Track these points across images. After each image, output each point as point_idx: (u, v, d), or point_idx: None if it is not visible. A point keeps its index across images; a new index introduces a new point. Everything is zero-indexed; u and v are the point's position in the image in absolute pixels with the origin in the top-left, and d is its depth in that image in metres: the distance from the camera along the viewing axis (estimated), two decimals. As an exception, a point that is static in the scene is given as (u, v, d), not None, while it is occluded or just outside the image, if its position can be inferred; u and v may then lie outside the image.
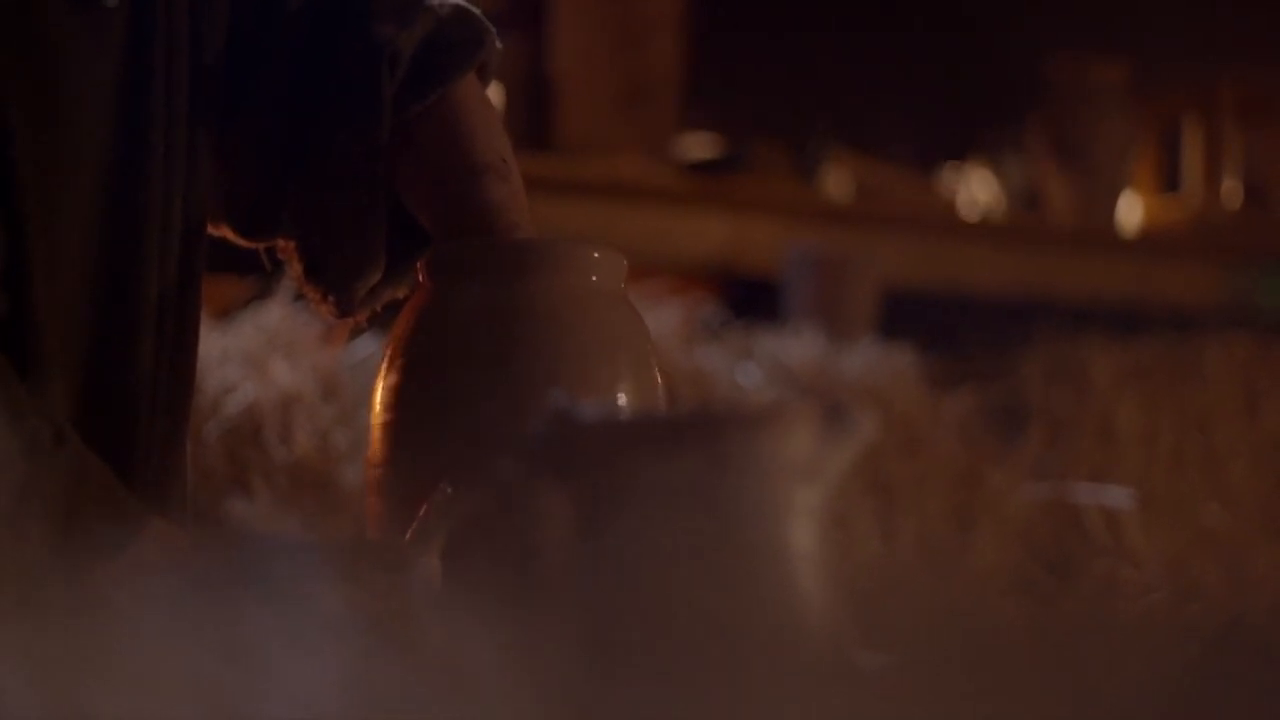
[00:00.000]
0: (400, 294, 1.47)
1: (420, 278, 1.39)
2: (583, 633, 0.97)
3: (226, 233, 1.47)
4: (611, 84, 3.82)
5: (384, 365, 1.38)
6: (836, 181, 4.09)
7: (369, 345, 2.65)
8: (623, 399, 1.35)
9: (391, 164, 1.42)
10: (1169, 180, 4.47)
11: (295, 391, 2.51)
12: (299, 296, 2.63)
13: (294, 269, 1.45)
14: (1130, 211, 4.42)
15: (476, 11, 1.45)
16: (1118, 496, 3.08)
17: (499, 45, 1.46)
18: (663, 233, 3.74)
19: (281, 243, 1.45)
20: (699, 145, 4.04)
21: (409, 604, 1.22)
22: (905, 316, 3.50)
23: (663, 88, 3.87)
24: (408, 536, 1.24)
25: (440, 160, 1.41)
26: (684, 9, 3.92)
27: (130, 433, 1.35)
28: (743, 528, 0.94)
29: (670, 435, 0.93)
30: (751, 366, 2.88)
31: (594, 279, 1.38)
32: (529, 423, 0.95)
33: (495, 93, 2.51)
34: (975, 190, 4.26)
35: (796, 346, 2.98)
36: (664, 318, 2.91)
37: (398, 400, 1.36)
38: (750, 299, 3.51)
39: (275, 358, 2.55)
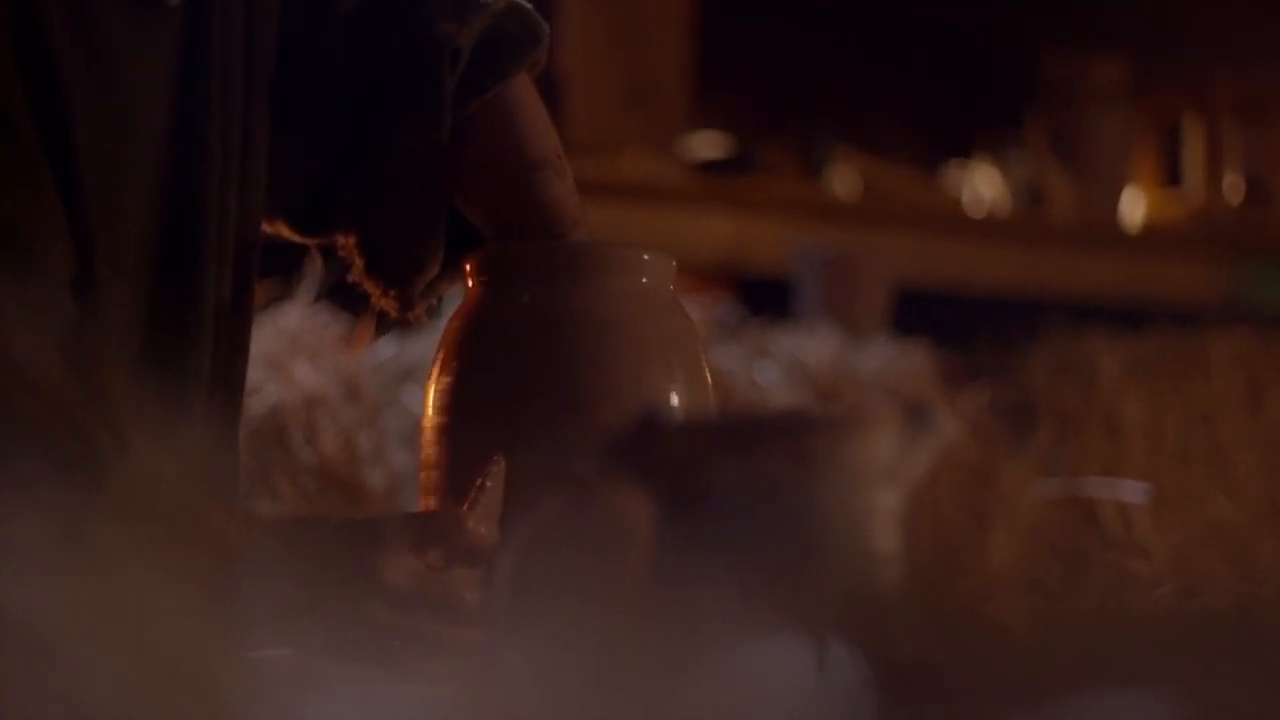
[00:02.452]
0: (453, 289, 1.48)
1: (470, 278, 1.39)
2: (662, 630, 0.98)
3: (282, 229, 1.46)
4: (618, 83, 3.82)
5: (436, 367, 1.38)
6: (842, 179, 4.10)
7: (389, 347, 2.66)
8: (676, 400, 1.36)
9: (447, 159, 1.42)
10: (1170, 175, 4.49)
11: (319, 393, 2.51)
12: (319, 298, 2.63)
13: (354, 264, 1.44)
14: (1133, 207, 4.44)
15: (529, 7, 1.45)
16: (1130, 490, 3.09)
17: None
18: (670, 232, 3.74)
19: (341, 239, 1.45)
20: (705, 144, 4.04)
21: (472, 574, 1.24)
22: (909, 313, 3.51)
23: (669, 86, 3.87)
24: (465, 507, 1.26)
25: (496, 156, 1.41)
26: (690, 7, 3.92)
27: (187, 433, 1.35)
28: (826, 529, 0.95)
29: (755, 438, 0.95)
30: (769, 365, 2.89)
31: (644, 280, 1.39)
32: (614, 424, 0.96)
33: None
34: (979, 187, 4.28)
35: (812, 344, 2.98)
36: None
37: (451, 402, 1.36)
38: (759, 297, 3.51)
39: (298, 360, 2.55)
